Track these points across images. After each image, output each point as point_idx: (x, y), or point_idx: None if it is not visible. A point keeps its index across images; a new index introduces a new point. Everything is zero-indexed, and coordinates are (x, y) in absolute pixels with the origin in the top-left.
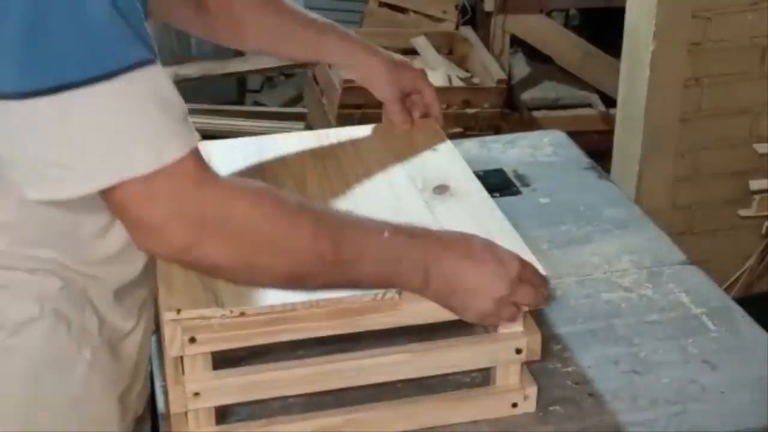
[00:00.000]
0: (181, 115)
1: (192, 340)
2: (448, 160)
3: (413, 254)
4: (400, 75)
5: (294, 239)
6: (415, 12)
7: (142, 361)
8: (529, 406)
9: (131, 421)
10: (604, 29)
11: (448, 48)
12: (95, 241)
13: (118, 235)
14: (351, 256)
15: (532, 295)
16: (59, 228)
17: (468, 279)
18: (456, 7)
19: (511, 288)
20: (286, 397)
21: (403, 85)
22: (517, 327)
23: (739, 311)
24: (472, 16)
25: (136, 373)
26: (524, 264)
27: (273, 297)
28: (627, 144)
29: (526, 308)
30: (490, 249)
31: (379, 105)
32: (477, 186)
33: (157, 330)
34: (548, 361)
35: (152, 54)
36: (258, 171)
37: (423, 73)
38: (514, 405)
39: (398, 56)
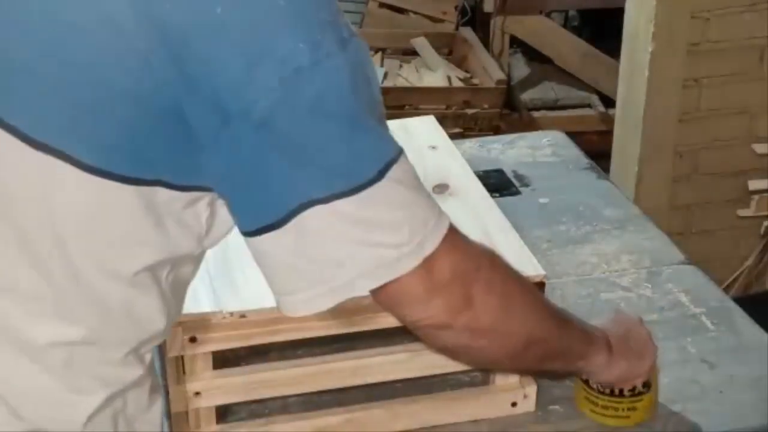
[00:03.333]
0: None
1: (193, 339)
2: (448, 159)
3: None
4: None
5: (537, 297)
6: (415, 13)
7: None
8: (528, 405)
9: None
10: (604, 30)
11: (448, 49)
12: None
13: None
14: (564, 323)
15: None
16: None
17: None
18: (456, 7)
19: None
20: (286, 397)
21: None
22: None
23: (737, 311)
24: (472, 17)
25: None
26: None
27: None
28: (626, 144)
29: None
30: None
31: None
32: (476, 185)
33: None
34: None
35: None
36: None
37: None
38: (514, 404)
39: None
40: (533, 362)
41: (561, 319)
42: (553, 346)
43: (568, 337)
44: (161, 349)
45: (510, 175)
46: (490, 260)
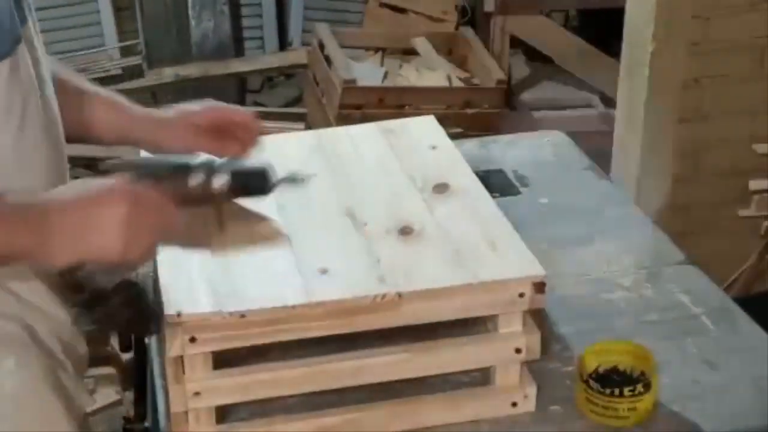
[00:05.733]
0: None
1: (192, 339)
2: (448, 160)
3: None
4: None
5: None
6: (416, 12)
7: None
8: (528, 405)
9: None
10: (604, 30)
11: (448, 48)
12: None
13: None
14: None
15: (155, 216)
16: None
17: (88, 222)
18: (456, 7)
19: (132, 209)
20: (286, 397)
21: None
22: (517, 326)
23: (738, 311)
24: (472, 17)
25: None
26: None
27: (274, 298)
28: (627, 144)
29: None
30: (101, 188)
31: (380, 105)
32: (477, 185)
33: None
34: (548, 360)
35: None
36: None
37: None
38: (514, 404)
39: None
40: None
41: None
42: None
43: None
44: (161, 349)
45: (510, 175)
46: None
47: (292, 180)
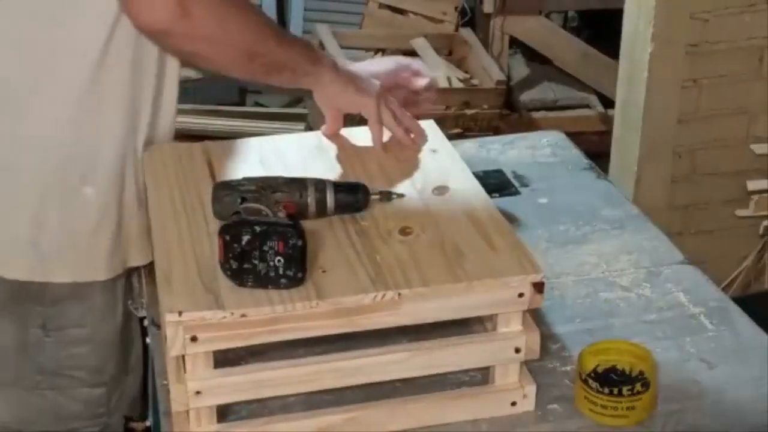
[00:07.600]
0: None
1: (194, 338)
2: (448, 161)
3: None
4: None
5: (257, 16)
6: (415, 13)
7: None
8: (528, 404)
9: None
10: (603, 30)
11: (448, 49)
12: None
13: None
14: (285, 41)
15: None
16: None
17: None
18: (455, 8)
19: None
20: (286, 396)
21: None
22: (516, 326)
23: (736, 310)
24: (472, 18)
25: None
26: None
27: (275, 298)
28: (625, 144)
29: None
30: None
31: None
32: (476, 187)
33: (158, 326)
34: (547, 360)
35: None
36: (258, 172)
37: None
38: (513, 404)
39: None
40: (261, 73)
41: (283, 38)
42: (276, 59)
43: (292, 53)
44: (162, 348)
45: (509, 175)
46: None
47: (387, 197)
